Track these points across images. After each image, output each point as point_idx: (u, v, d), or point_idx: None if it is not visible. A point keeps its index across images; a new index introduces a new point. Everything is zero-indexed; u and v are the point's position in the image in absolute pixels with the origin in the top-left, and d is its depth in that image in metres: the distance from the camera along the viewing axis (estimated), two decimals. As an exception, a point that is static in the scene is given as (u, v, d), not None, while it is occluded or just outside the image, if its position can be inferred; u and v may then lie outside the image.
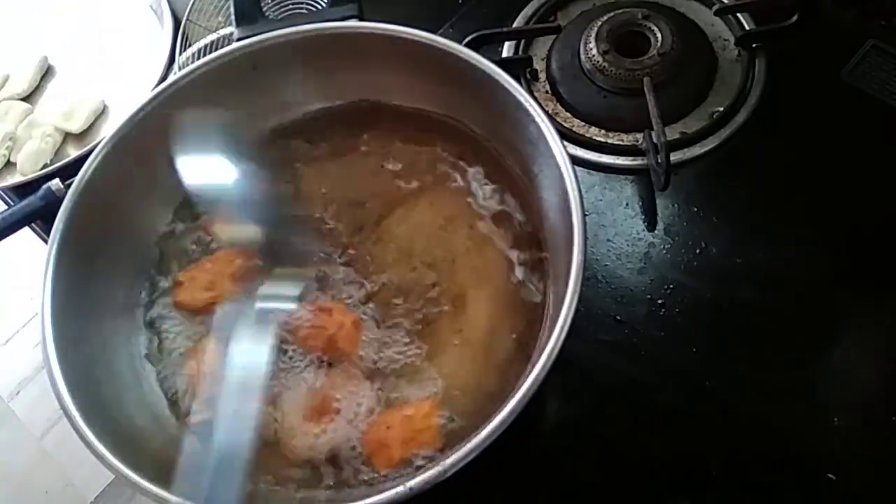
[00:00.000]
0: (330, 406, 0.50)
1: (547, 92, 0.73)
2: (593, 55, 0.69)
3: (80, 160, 0.56)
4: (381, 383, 0.51)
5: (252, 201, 0.57)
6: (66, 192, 0.53)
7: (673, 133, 0.67)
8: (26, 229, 0.74)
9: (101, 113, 0.87)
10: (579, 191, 0.47)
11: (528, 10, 0.76)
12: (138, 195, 0.58)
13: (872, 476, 0.52)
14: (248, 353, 0.47)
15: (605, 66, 0.69)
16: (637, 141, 0.67)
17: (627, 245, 0.62)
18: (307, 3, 0.72)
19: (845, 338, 0.57)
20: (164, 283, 0.58)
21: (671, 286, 0.60)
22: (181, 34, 0.83)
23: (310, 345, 0.52)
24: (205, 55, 0.73)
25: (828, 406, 0.54)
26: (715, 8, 0.73)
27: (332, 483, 0.49)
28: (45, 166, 0.82)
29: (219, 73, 0.58)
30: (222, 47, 0.65)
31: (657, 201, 0.64)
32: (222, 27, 0.81)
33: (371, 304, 0.54)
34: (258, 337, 0.48)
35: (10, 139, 0.85)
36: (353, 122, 0.63)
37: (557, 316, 0.44)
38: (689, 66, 0.69)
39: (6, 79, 0.92)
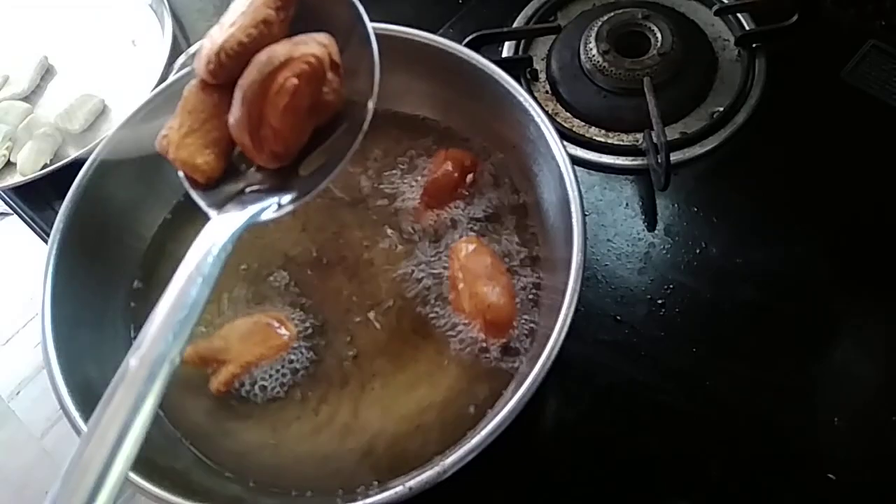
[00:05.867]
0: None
1: (547, 92, 0.73)
2: (593, 55, 0.69)
3: (80, 160, 0.56)
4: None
5: None
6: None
7: (673, 133, 0.67)
8: (26, 229, 0.74)
9: (101, 113, 0.87)
10: (579, 191, 0.48)
11: (528, 10, 0.76)
12: (138, 195, 0.58)
13: (872, 476, 0.52)
14: None
15: (605, 66, 0.69)
16: (637, 141, 0.67)
17: (627, 245, 0.62)
18: (307, 3, 0.72)
19: (845, 338, 0.57)
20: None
21: (671, 286, 0.60)
22: (181, 34, 0.83)
23: None
24: (205, 55, 0.73)
25: (828, 406, 0.54)
26: (715, 8, 0.73)
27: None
28: (45, 166, 0.82)
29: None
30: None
31: (657, 201, 0.64)
32: (222, 27, 0.81)
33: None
34: None
35: (10, 139, 0.85)
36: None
37: (557, 316, 0.44)
38: (689, 66, 0.69)
39: (6, 79, 0.92)
